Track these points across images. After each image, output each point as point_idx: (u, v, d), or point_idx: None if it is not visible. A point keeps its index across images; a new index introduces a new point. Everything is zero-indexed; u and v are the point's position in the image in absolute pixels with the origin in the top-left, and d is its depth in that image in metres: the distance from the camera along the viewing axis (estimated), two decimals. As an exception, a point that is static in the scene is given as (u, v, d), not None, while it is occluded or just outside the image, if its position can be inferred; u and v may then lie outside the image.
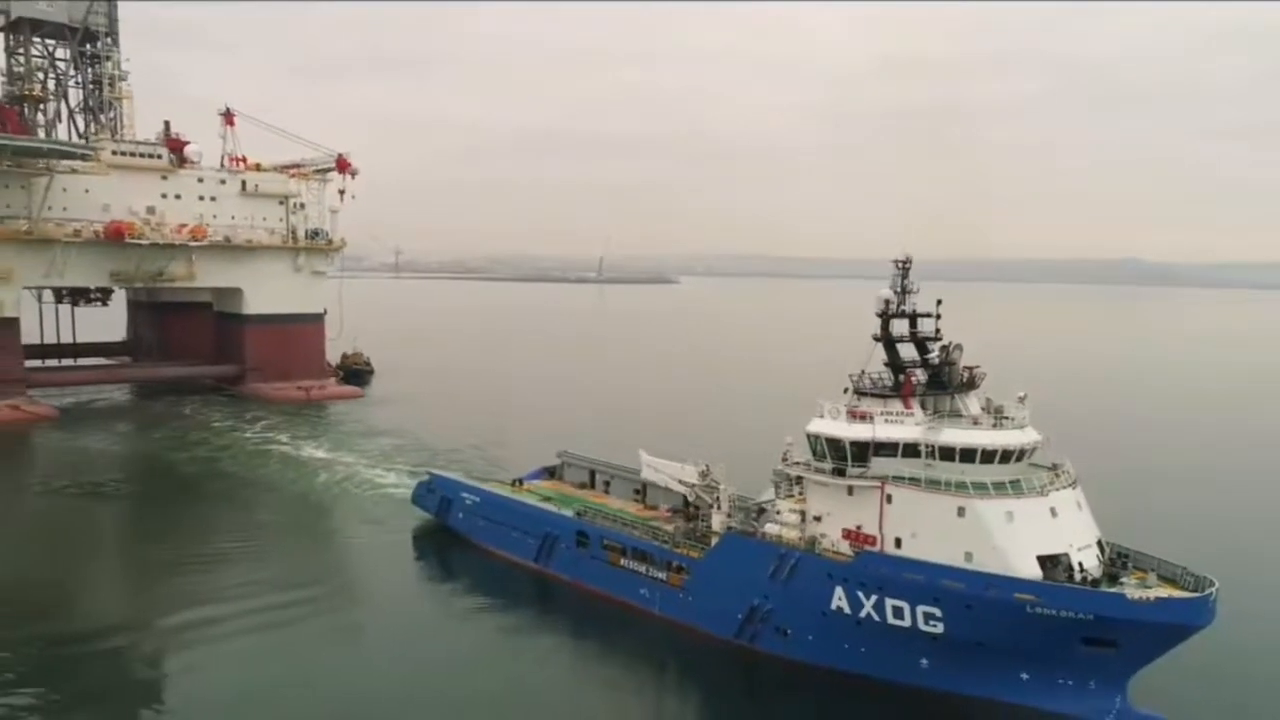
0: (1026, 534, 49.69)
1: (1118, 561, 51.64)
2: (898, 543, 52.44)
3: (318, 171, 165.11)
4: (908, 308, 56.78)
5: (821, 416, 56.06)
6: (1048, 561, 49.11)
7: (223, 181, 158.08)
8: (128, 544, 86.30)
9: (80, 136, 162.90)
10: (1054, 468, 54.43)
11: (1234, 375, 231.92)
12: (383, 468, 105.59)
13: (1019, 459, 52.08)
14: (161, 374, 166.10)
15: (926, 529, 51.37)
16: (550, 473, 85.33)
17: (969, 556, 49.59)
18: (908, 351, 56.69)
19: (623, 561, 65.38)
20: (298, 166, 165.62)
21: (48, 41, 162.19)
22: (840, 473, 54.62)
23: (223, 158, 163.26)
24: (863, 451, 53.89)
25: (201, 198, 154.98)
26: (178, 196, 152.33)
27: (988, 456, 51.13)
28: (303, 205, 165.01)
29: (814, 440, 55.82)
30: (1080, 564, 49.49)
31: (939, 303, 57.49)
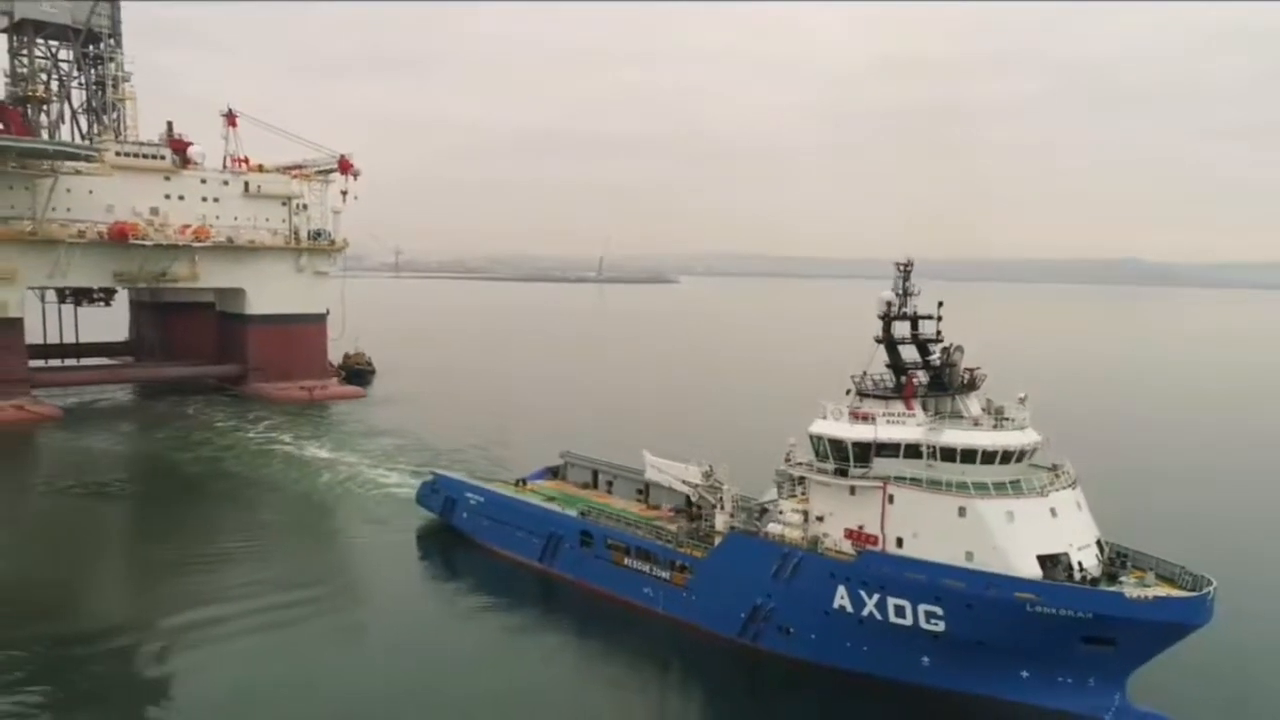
0: (1027, 534, 50.21)
1: (1117, 561, 52.13)
2: (899, 542, 52.95)
3: (320, 172, 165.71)
4: (909, 310, 57.33)
5: (824, 417, 56.60)
6: (1048, 561, 49.64)
7: (226, 182, 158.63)
8: (132, 544, 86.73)
9: (83, 138, 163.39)
10: (1054, 468, 54.95)
11: (1233, 375, 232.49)
12: (385, 468, 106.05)
13: (1019, 459, 52.63)
14: (165, 374, 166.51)
15: (928, 529, 51.87)
16: (553, 473, 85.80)
17: (970, 556, 50.12)
18: (909, 353, 57.26)
19: (626, 561, 65.86)
20: (300, 167, 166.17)
21: (51, 43, 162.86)
22: (842, 473, 55.15)
23: (225, 158, 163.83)
24: (865, 452, 54.42)
25: (204, 199, 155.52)
26: (181, 197, 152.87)
27: (988, 457, 51.67)
28: (305, 206, 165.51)
29: (817, 441, 56.35)
30: (1080, 563, 50.01)
31: (940, 305, 58.10)
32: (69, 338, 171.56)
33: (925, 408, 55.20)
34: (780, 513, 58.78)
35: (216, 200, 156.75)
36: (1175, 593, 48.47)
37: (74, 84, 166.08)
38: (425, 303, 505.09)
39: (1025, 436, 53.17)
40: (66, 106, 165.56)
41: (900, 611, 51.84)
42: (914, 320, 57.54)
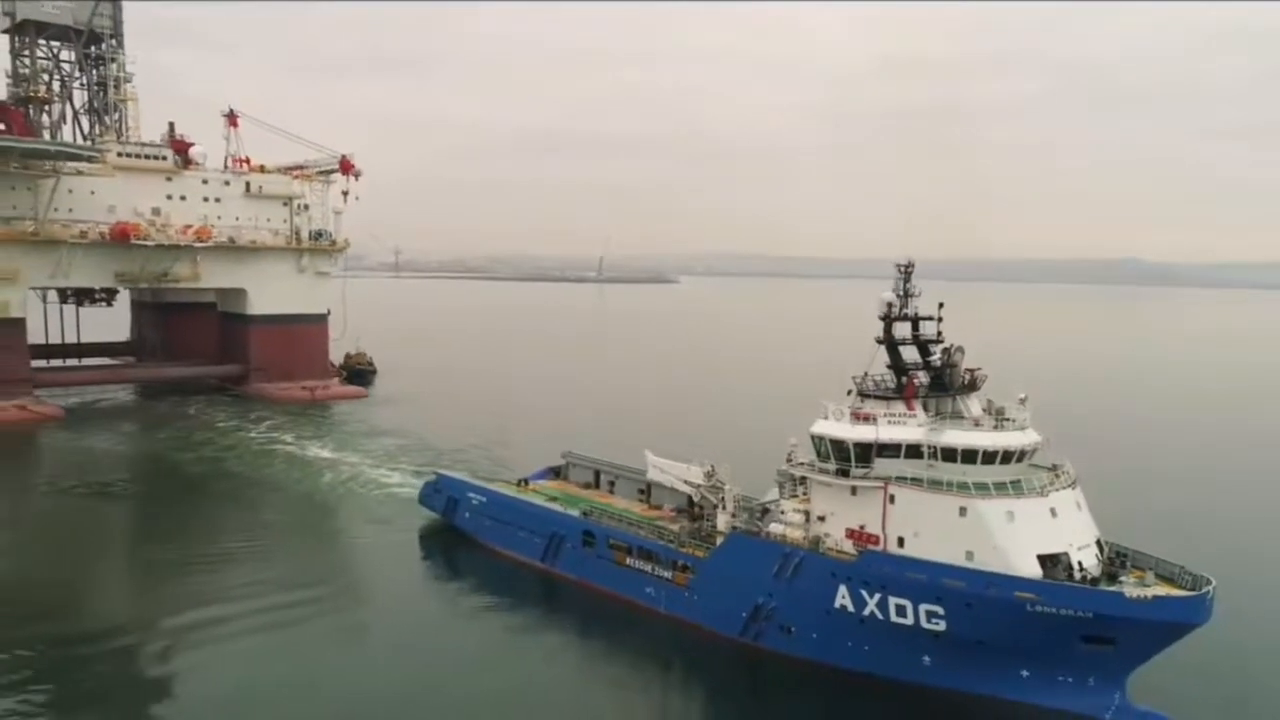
0: (1027, 533, 50.48)
1: (1116, 560, 52.41)
2: (900, 542, 53.24)
3: (321, 173, 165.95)
4: (910, 311, 57.58)
5: (826, 418, 56.87)
6: (1048, 560, 49.91)
7: (227, 183, 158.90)
8: (135, 543, 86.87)
9: (85, 138, 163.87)
10: (1054, 468, 55.20)
11: (1232, 375, 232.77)
12: (387, 467, 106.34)
13: (1019, 460, 52.91)
14: (167, 374, 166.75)
15: (929, 529, 52.16)
16: (555, 473, 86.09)
17: (970, 556, 50.40)
18: (910, 354, 57.53)
19: (629, 561, 66.13)
20: (301, 168, 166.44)
21: (53, 43, 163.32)
22: (844, 473, 55.41)
23: (226, 159, 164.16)
24: (866, 452, 54.68)
25: (206, 199, 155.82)
26: (183, 198, 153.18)
27: (989, 457, 51.96)
28: (306, 206, 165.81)
29: (818, 441, 56.63)
30: (1080, 563, 50.29)
31: (940, 306, 58.37)
32: (70, 338, 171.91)
33: (926, 408, 55.48)
34: (782, 513, 59.08)
35: (218, 200, 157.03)
36: (1175, 592, 48.74)
37: (76, 85, 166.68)
38: (425, 303, 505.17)
39: (1025, 437, 53.45)
40: (68, 107, 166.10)
41: (901, 611, 52.13)
42: (915, 321, 57.77)
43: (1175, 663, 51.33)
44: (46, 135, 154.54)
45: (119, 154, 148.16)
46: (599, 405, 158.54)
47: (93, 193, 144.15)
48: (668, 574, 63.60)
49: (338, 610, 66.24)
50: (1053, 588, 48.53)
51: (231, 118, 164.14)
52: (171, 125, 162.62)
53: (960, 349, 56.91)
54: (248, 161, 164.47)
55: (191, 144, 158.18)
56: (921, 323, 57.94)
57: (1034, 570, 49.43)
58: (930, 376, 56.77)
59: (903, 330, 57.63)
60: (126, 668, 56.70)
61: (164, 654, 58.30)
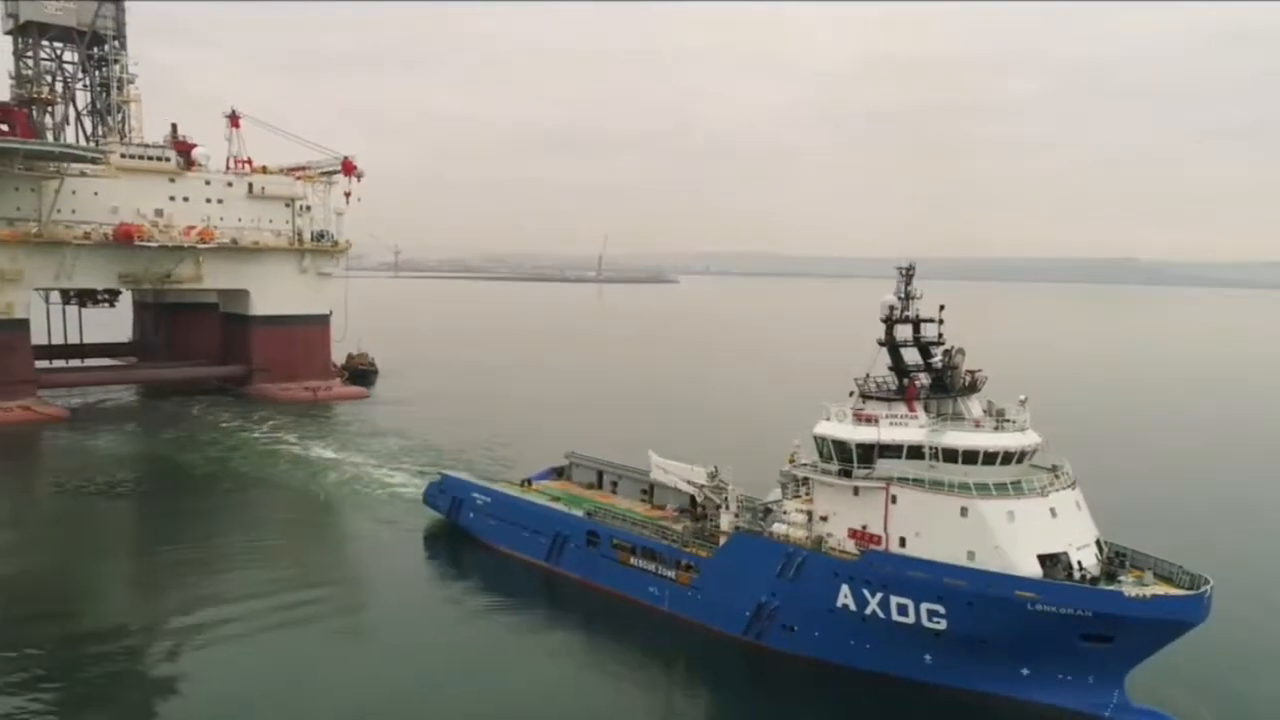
0: (1027, 533, 51.13)
1: (1115, 560, 53.04)
2: (902, 542, 53.89)
3: (323, 174, 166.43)
4: (911, 313, 58.21)
5: (828, 419, 57.52)
6: (1048, 560, 50.58)
7: (230, 184, 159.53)
8: (140, 544, 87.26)
9: (88, 139, 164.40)
10: (1054, 469, 55.75)
11: (1230, 373, 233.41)
12: (390, 468, 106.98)
13: (1020, 460, 53.57)
14: (170, 375, 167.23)
15: (930, 528, 52.82)
16: (558, 473, 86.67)
17: (971, 555, 51.07)
18: (911, 356, 58.15)
19: (632, 560, 66.74)
20: (303, 169, 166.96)
21: (56, 45, 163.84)
22: (846, 474, 56.03)
23: (228, 160, 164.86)
24: (868, 453, 55.30)
25: (209, 200, 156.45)
26: (185, 199, 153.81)
27: (989, 458, 52.61)
28: (308, 207, 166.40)
29: (821, 442, 57.27)
30: (1079, 562, 50.94)
31: (942, 309, 59.01)
32: (73, 339, 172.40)
33: (927, 409, 56.14)
34: (785, 513, 59.73)
35: (220, 202, 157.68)
36: (1173, 591, 49.41)
37: (79, 86, 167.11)
38: (425, 303, 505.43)
39: (1026, 438, 54.10)
40: (71, 108, 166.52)
41: (903, 610, 52.79)
42: (916, 323, 58.39)
43: (1174, 662, 52.07)
44: (49, 137, 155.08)
45: (122, 155, 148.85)
46: (600, 405, 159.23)
47: (96, 194, 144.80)
48: (671, 573, 64.21)
49: (344, 609, 66.80)
50: (1053, 587, 49.17)
51: (234, 119, 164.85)
52: (174, 127, 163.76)
53: (961, 351, 57.58)
54: (250, 163, 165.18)
55: (194, 145, 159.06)
56: (923, 325, 58.53)
57: (1034, 570, 50.08)
58: (931, 378, 57.43)
59: (904, 332, 58.25)
60: (133, 667, 57.06)
61: (170, 653, 58.68)
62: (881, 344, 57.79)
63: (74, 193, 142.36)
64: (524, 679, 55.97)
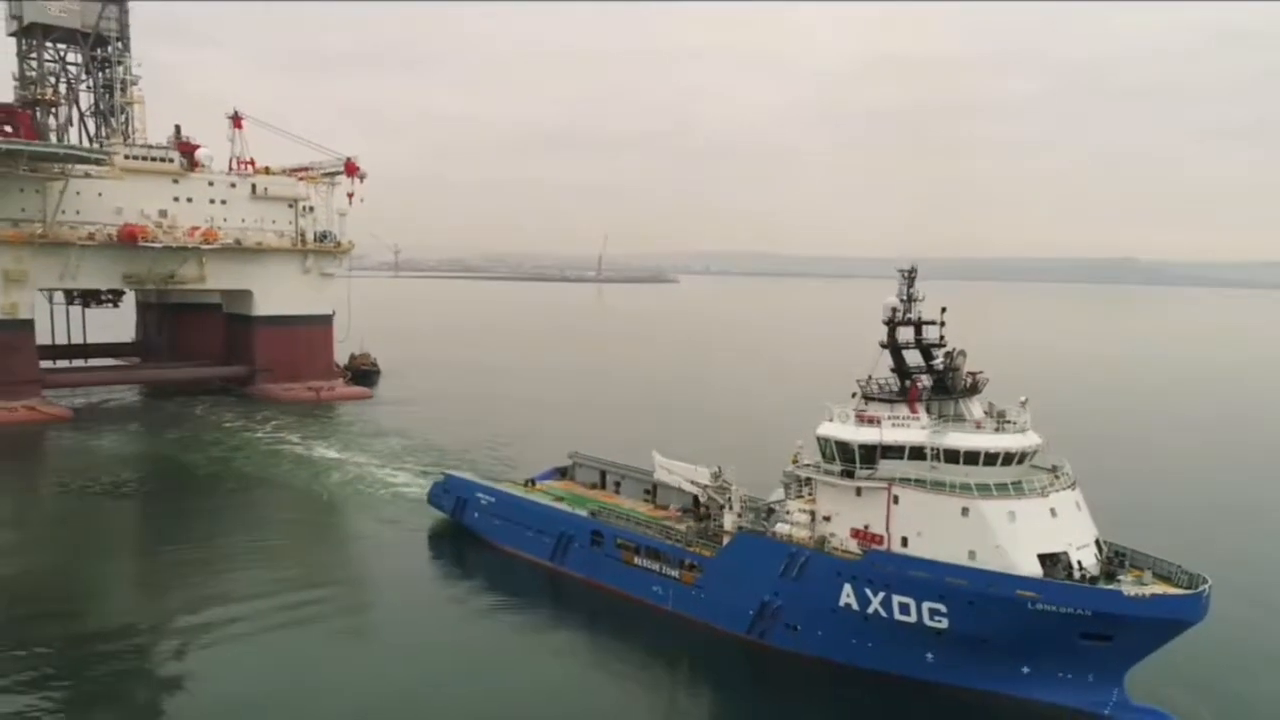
0: (1028, 533, 51.67)
1: (1115, 560, 53.58)
2: (904, 542, 54.45)
3: (326, 175, 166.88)
4: (913, 315, 58.74)
5: (831, 420, 58.08)
6: (1048, 560, 51.11)
7: (233, 185, 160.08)
8: (145, 543, 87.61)
9: (91, 140, 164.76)
10: (1054, 469, 56.26)
11: (1227, 372, 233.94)
12: (393, 467, 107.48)
13: (1020, 461, 54.12)
14: (173, 375, 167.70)
15: (932, 528, 53.36)
16: (562, 473, 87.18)
17: (973, 555, 51.62)
18: (913, 358, 58.68)
19: (636, 560, 67.25)
20: (306, 170, 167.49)
21: (59, 46, 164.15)
22: (849, 474, 56.57)
23: (231, 160, 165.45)
24: (870, 454, 55.84)
25: (212, 201, 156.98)
26: (189, 200, 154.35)
27: (990, 459, 53.14)
28: (311, 208, 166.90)
29: (824, 443, 57.83)
30: (1079, 562, 51.48)
31: (943, 310, 59.60)
32: (77, 339, 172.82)
33: (929, 411, 56.66)
34: (788, 513, 60.31)
35: (224, 202, 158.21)
36: (1171, 591, 49.99)
37: (82, 87, 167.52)
38: (425, 303, 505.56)
39: (1026, 439, 54.66)
40: (74, 110, 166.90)
41: (905, 609, 53.34)
42: (918, 326, 58.90)
43: (1173, 660, 52.61)
44: (53, 138, 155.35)
45: (126, 156, 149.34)
46: (601, 405, 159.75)
47: (100, 195, 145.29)
48: (675, 573, 64.73)
49: (348, 609, 67.17)
50: (1053, 586, 49.71)
51: (236, 119, 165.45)
52: (178, 128, 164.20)
53: (962, 353, 58.11)
54: (252, 163, 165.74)
55: (197, 146, 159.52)
56: (924, 327, 59.03)
57: (1035, 569, 50.62)
58: (933, 380, 57.96)
59: (906, 334, 58.81)
60: (138, 667, 57.32)
61: (175, 653, 58.90)
62: (883, 346, 58.31)
63: (78, 194, 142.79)
64: (528, 678, 56.37)
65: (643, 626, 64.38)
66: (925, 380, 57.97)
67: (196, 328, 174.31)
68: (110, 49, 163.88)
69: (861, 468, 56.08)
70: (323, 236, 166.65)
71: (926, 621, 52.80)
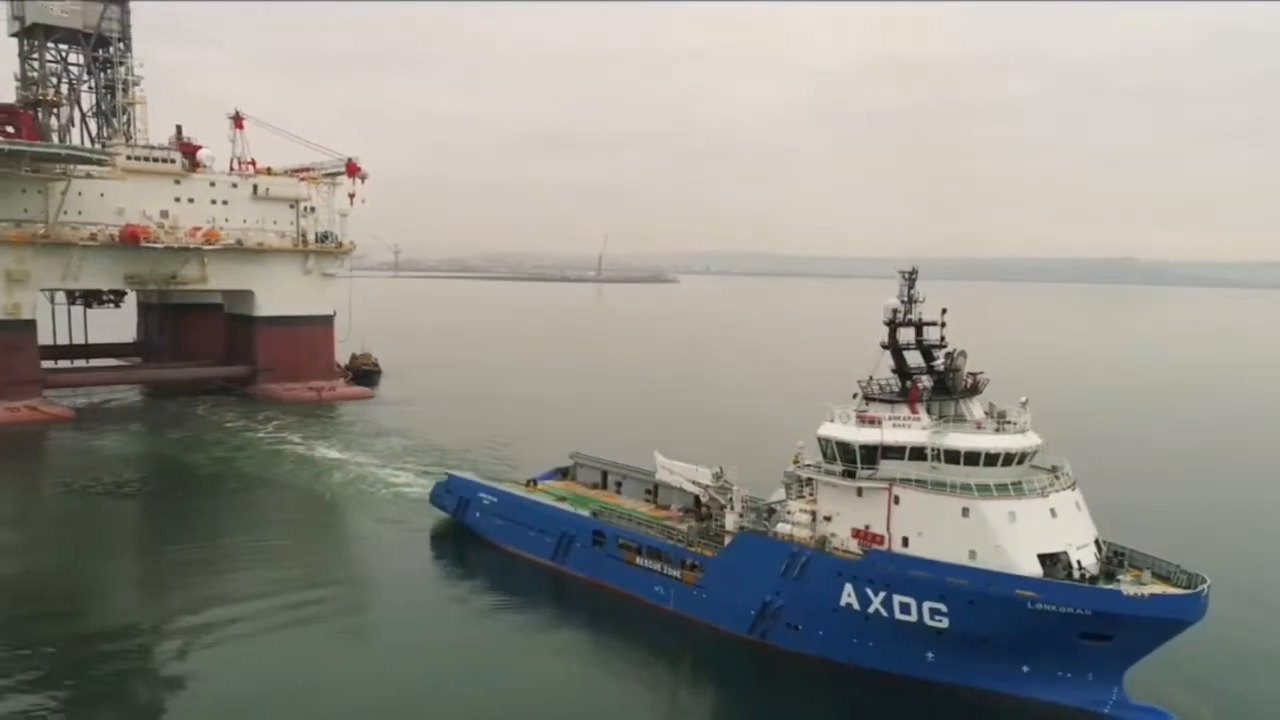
0: (1028, 533, 51.97)
1: (1114, 560, 53.87)
2: (905, 542, 54.75)
3: (327, 175, 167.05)
4: (914, 317, 59.03)
5: (832, 421, 58.37)
6: (1048, 559, 51.42)
7: (234, 185, 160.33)
8: (147, 543, 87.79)
9: (93, 141, 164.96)
10: (1054, 470, 56.57)
11: (1231, 374, 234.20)
12: (394, 467, 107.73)
13: (1020, 462, 54.43)
14: (175, 375, 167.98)
15: (932, 529, 53.66)
16: (563, 473, 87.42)
17: (973, 555, 51.92)
18: (914, 359, 58.97)
19: (638, 560, 67.52)
20: (308, 170, 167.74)
21: (61, 46, 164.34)
22: (850, 475, 56.87)
23: (232, 161, 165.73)
24: (871, 454, 56.14)
25: (214, 201, 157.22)
26: (191, 200, 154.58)
27: (991, 459, 53.45)
28: (313, 209, 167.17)
29: (825, 444, 58.11)
30: (1079, 562, 51.78)
31: (944, 311, 59.91)
32: (78, 339, 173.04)
33: (930, 411, 56.97)
34: (789, 513, 60.62)
35: (225, 203, 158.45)
36: (1170, 590, 50.30)
37: (84, 88, 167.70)
38: (425, 303, 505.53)
39: (1026, 439, 54.97)
40: (76, 110, 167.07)
41: (905, 609, 53.64)
42: (919, 327, 59.21)
43: (1172, 659, 52.91)
44: (55, 138, 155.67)
45: (128, 157, 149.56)
46: (601, 406, 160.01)
47: (102, 196, 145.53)
48: (677, 573, 65.01)
49: (350, 609, 67.41)
50: (1053, 586, 50.01)
51: (237, 120, 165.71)
52: (179, 129, 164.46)
53: (963, 354, 58.41)
54: (254, 164, 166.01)
55: (199, 147, 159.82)
56: (925, 328, 59.32)
57: (1035, 569, 50.93)
58: (934, 381, 58.26)
59: (907, 335, 59.10)
60: (139, 666, 57.53)
61: (177, 653, 59.06)
62: (884, 347, 58.61)
63: (80, 194, 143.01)
64: (530, 678, 56.57)
65: (644, 626, 64.61)
66: (926, 381, 58.28)
67: (198, 328, 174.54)
68: (112, 49, 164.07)
69: (862, 468, 56.38)
70: (324, 237, 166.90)
71: (927, 621, 53.09)
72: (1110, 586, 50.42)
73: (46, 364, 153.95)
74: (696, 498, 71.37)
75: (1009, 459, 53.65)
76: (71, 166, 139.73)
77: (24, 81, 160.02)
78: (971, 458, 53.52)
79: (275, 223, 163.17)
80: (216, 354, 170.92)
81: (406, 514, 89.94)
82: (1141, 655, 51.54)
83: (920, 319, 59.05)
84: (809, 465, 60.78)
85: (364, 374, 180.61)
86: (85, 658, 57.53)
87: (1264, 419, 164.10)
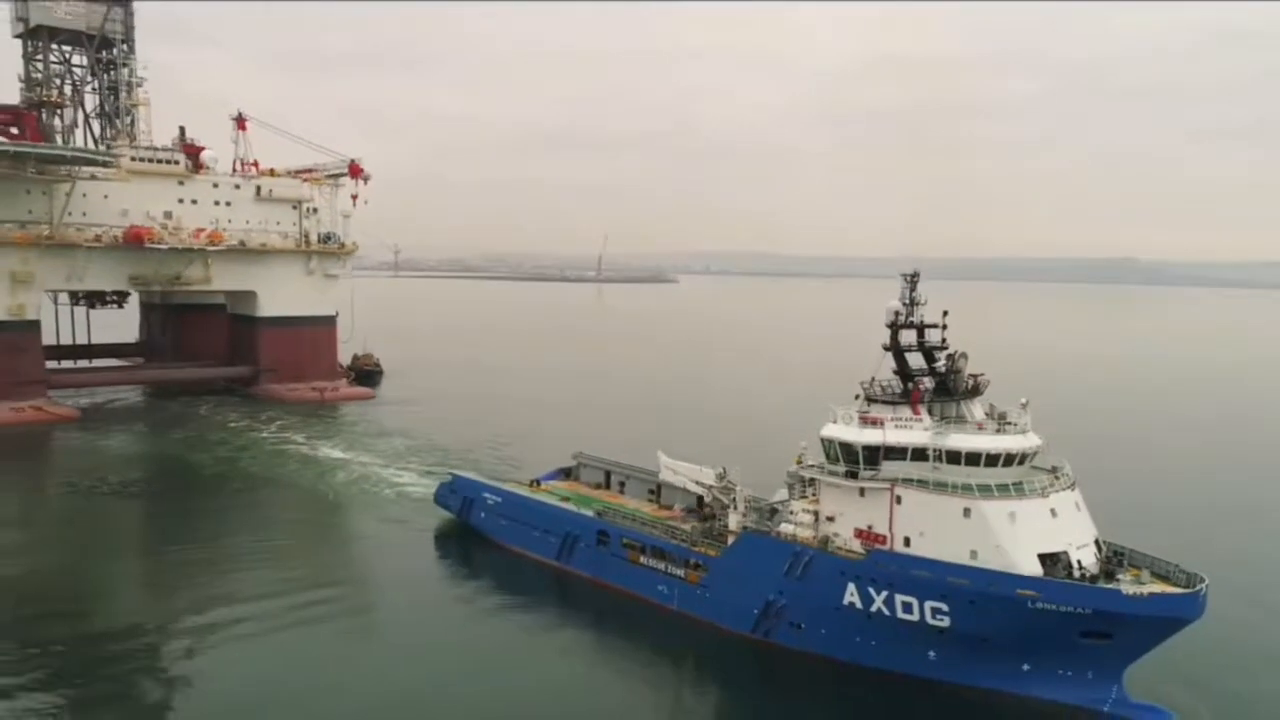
0: (1028, 533, 52.46)
1: (1114, 559, 54.33)
2: (907, 541, 55.25)
3: (330, 176, 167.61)
4: (916, 319, 59.51)
5: (835, 422, 58.86)
6: (1048, 559, 51.90)
7: (238, 186, 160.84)
8: (152, 543, 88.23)
9: (96, 142, 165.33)
10: (1054, 470, 57.03)
11: (1231, 374, 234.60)
12: (397, 467, 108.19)
13: (1021, 462, 54.92)
14: (178, 375, 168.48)
15: (934, 529, 54.14)
16: (566, 473, 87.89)
17: (974, 555, 52.42)
18: (915, 360, 59.46)
19: (642, 559, 67.98)
20: (310, 171, 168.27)
21: (65, 48, 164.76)
22: (852, 475, 57.35)
23: (235, 162, 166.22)
24: (874, 455, 56.63)
25: (217, 203, 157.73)
26: (194, 201, 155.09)
27: (992, 460, 53.94)
28: (315, 210, 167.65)
29: (828, 444, 58.60)
30: (1079, 561, 52.26)
31: (945, 314, 60.38)
32: (81, 339, 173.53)
33: (931, 412, 57.42)
34: (792, 513, 61.10)
35: (229, 204, 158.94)
36: (1170, 589, 50.78)
37: (87, 89, 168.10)
38: (426, 302, 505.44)
39: (1027, 440, 55.46)
40: (80, 111, 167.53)
41: (907, 608, 54.13)
42: (920, 329, 59.70)
43: (1171, 658, 53.38)
44: (59, 140, 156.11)
45: (132, 159, 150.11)
46: (602, 406, 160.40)
47: (106, 197, 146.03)
48: (680, 572, 65.47)
49: (354, 609, 67.82)
50: (1053, 585, 50.49)
51: (240, 121, 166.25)
52: (182, 130, 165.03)
53: (964, 355, 58.93)
54: (256, 165, 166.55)
55: (202, 148, 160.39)
56: (926, 330, 59.78)
57: (1035, 569, 51.41)
58: (935, 382, 58.73)
59: (908, 337, 59.59)
60: (144, 666, 57.75)
61: (181, 653, 59.44)
62: (886, 349, 59.11)
63: (84, 196, 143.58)
64: (535, 677, 56.95)
65: (648, 625, 65.04)
66: (927, 382, 58.74)
67: (201, 328, 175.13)
68: (115, 51, 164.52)
69: (865, 468, 56.87)
70: (327, 238, 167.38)
71: (929, 620, 53.56)
72: (1110, 586, 50.87)
73: (50, 364, 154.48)
74: (700, 498, 71.89)
75: (1009, 460, 54.13)
76: (76, 168, 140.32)
77: (28, 83, 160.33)
78: (972, 458, 53.99)
79: (278, 224, 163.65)
80: (219, 354, 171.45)
81: (410, 514, 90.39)
82: (1141, 654, 52.01)
83: (922, 321, 59.50)
84: (812, 465, 61.33)
85: (366, 374, 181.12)
86: (91, 657, 57.91)
87: (1264, 419, 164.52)
